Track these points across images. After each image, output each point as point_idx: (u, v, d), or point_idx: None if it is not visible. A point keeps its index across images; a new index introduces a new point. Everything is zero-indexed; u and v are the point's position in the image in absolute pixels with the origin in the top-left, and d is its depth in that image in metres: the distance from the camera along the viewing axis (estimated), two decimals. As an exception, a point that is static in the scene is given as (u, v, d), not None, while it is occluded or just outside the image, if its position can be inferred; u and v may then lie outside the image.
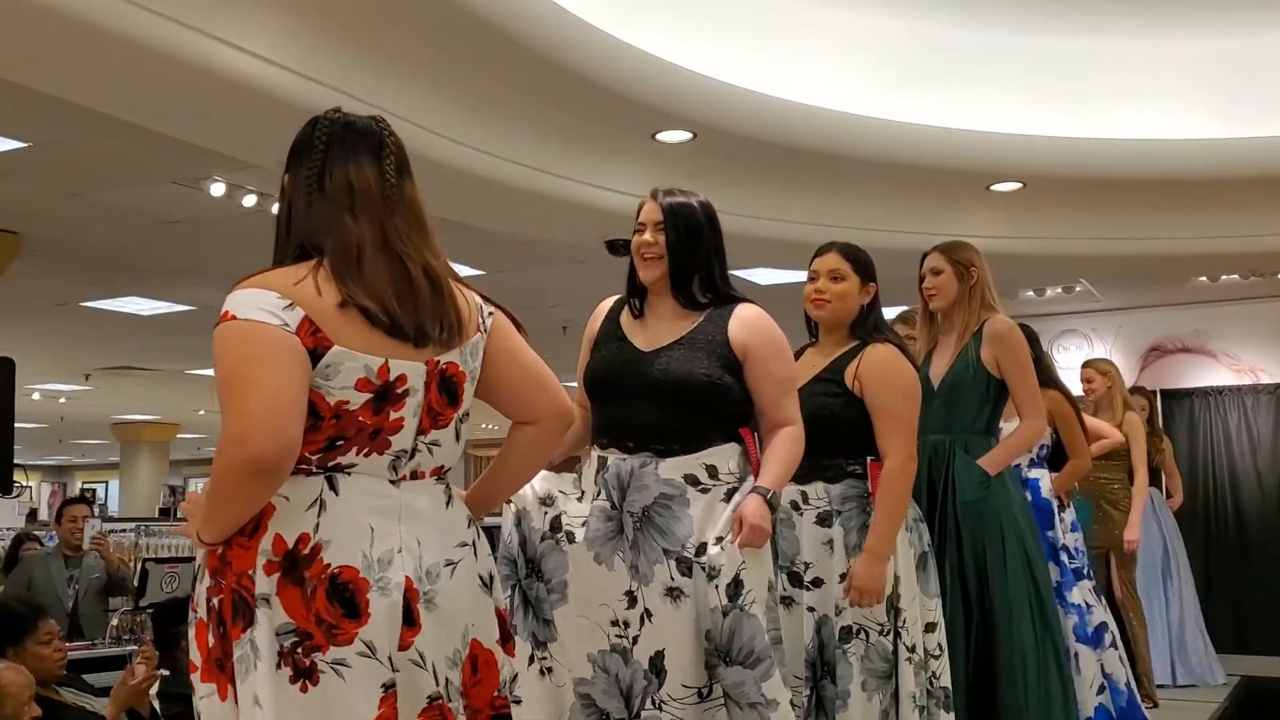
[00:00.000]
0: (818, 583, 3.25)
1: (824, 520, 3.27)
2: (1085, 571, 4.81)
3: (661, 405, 2.75)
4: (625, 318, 2.95)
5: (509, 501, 2.79)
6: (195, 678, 1.91)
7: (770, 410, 2.81)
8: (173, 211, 6.60)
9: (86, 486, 25.96)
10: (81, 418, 18.22)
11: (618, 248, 6.67)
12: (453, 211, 6.30)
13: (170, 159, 5.60)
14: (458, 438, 2.06)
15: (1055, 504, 4.77)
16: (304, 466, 1.89)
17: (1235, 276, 8.41)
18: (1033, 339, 4.98)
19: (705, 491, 2.71)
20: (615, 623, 2.67)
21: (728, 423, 2.78)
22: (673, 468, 2.72)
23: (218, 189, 6.07)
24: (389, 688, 1.85)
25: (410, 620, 1.89)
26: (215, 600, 1.87)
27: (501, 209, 6.24)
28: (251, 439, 1.79)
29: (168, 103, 4.70)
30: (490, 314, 2.12)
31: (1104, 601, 4.94)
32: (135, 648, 4.04)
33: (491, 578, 2.08)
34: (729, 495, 2.71)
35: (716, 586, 2.61)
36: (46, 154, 5.74)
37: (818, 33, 5.63)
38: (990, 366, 3.73)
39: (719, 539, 2.64)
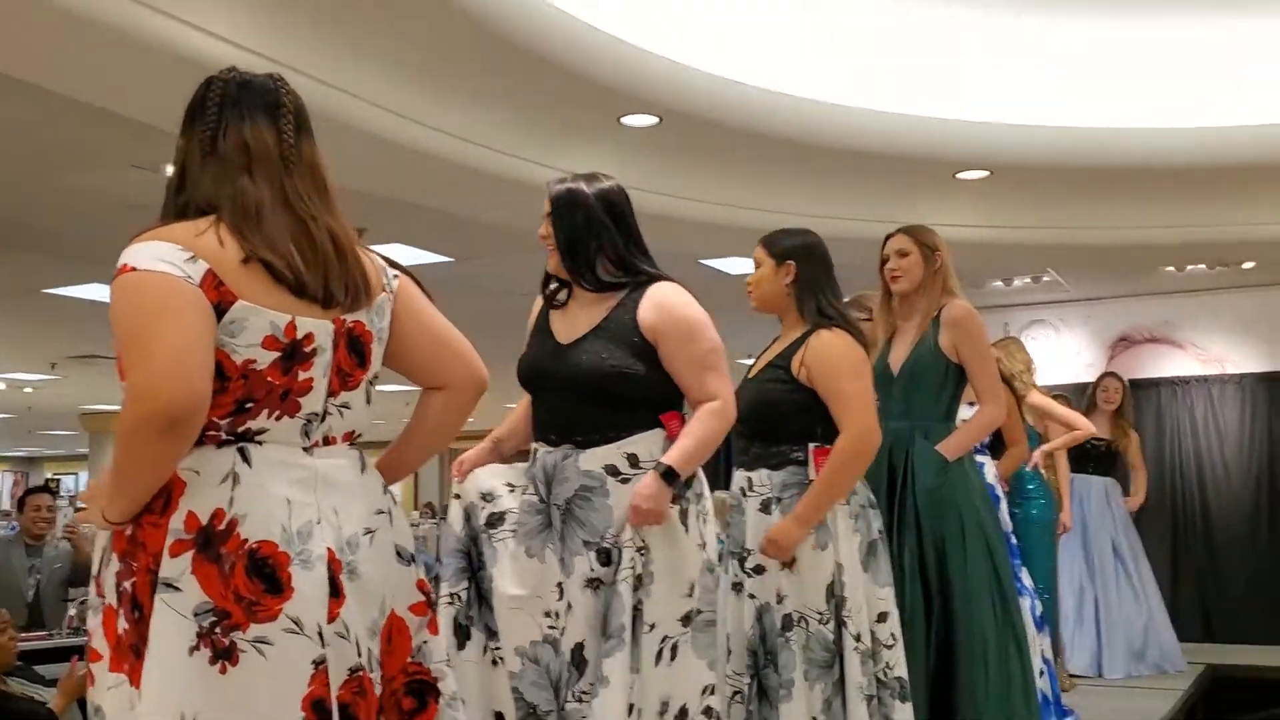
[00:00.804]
0: (759, 570, 3.27)
1: (766, 507, 3.30)
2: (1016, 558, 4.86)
3: (577, 398, 2.79)
4: (554, 309, 2.97)
5: (457, 496, 2.83)
6: (99, 668, 1.83)
7: (692, 389, 2.81)
8: (134, 195, 6.51)
9: (52, 477, 25.73)
10: (49, 408, 18.05)
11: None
12: (418, 196, 6.26)
13: (130, 142, 5.52)
14: (368, 401, 2.01)
15: (999, 489, 4.80)
16: (213, 434, 1.83)
17: (1202, 267, 8.45)
18: None
19: (626, 481, 2.72)
20: (548, 614, 2.70)
21: (649, 409, 2.79)
22: (592, 459, 2.74)
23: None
24: (320, 664, 1.80)
25: (335, 592, 1.85)
26: (127, 584, 1.80)
27: (467, 193, 6.20)
28: (159, 391, 1.71)
29: (126, 84, 4.64)
30: (395, 276, 2.08)
31: (1036, 590, 5.01)
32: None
33: (410, 549, 2.04)
34: None
35: (611, 565, 2.66)
36: (4, 138, 5.66)
37: (786, 18, 5.61)
38: (949, 352, 3.73)
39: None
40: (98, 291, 9.23)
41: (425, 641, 2.03)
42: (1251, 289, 9.10)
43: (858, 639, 3.17)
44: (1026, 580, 4.75)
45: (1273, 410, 8.51)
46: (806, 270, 3.39)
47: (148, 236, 1.83)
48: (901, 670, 3.25)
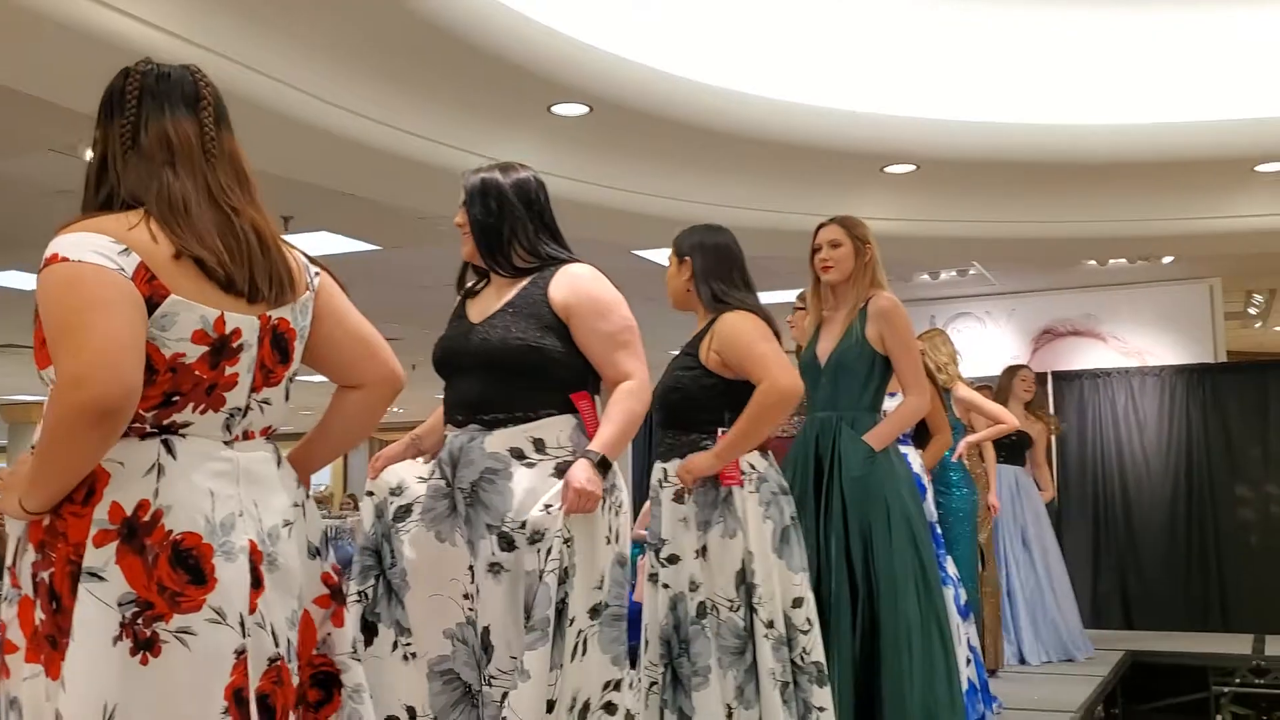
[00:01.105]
0: (673, 559, 3.31)
1: (679, 497, 3.34)
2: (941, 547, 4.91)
3: (484, 376, 2.76)
4: (470, 297, 2.98)
5: (370, 493, 2.80)
6: (15, 659, 1.80)
7: (605, 368, 2.78)
8: (53, 181, 6.38)
9: (-28, 470, 25.16)
10: (-34, 398, 17.67)
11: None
12: (344, 183, 6.19)
13: (48, 126, 5.40)
14: (287, 397, 2.03)
15: (924, 479, 4.86)
16: (137, 426, 1.83)
17: (1123, 261, 8.61)
18: None
19: (531, 466, 2.69)
20: (466, 595, 2.68)
21: (557, 390, 2.75)
22: (498, 440, 2.70)
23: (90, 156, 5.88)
24: (241, 653, 1.81)
25: (256, 583, 1.86)
26: (45, 574, 1.78)
27: (394, 181, 6.14)
28: (92, 381, 1.70)
29: (42, 66, 4.54)
30: (317, 274, 2.09)
31: (959, 578, 5.04)
32: None
33: (317, 543, 2.06)
34: (560, 470, 2.67)
35: (538, 551, 2.60)
36: (-81, 121, 5.53)
37: (717, 9, 5.61)
38: (875, 343, 3.76)
39: (547, 506, 2.62)
40: (16, 279, 9.03)
41: (330, 634, 2.04)
42: (1171, 283, 9.30)
43: (770, 625, 3.21)
44: (951, 569, 4.80)
45: (1191, 402, 8.68)
46: (701, 263, 3.48)
47: (78, 227, 1.82)
48: (818, 655, 3.28)
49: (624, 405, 2.73)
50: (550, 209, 2.92)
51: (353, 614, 2.68)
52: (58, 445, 1.75)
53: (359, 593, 2.73)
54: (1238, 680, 7.03)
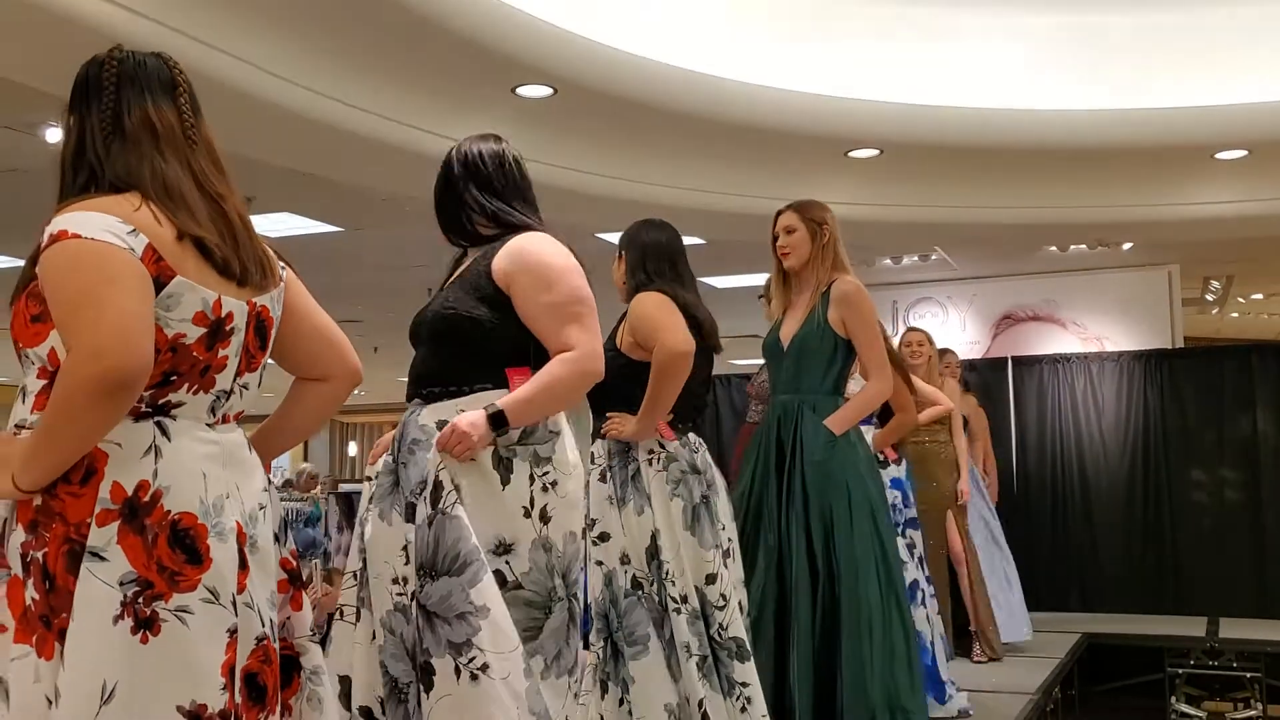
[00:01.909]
0: (604, 537, 3.38)
1: (603, 476, 3.42)
2: (898, 529, 4.87)
3: (425, 349, 2.71)
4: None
5: (369, 478, 2.73)
6: (2, 640, 1.79)
7: (548, 340, 2.62)
8: (9, 159, 6.28)
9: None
10: (-82, 379, 17.41)
11: (477, 205, 6.56)
12: (307, 163, 6.13)
13: (2, 102, 5.32)
14: (259, 384, 2.07)
15: (876, 459, 4.87)
16: (135, 406, 1.84)
17: (1083, 247, 8.67)
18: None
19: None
20: (395, 580, 2.56)
21: (491, 363, 2.62)
22: (430, 414, 2.62)
23: (54, 135, 5.78)
24: (233, 632, 1.85)
25: (243, 564, 1.90)
26: (38, 554, 1.78)
27: (357, 161, 6.09)
28: (110, 353, 1.72)
29: (1, 44, 4.47)
30: (284, 267, 2.12)
31: (917, 559, 5.04)
32: None
33: (278, 530, 2.09)
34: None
35: (424, 499, 2.51)
36: None
37: (682, -7, 5.61)
38: (837, 327, 3.78)
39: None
40: (-32, 257, 8.88)
41: (289, 617, 2.08)
42: (1130, 269, 9.39)
43: (684, 600, 3.26)
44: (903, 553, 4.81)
45: (1149, 387, 8.76)
46: (631, 257, 3.58)
47: (82, 206, 1.83)
48: (737, 630, 3.31)
49: (552, 370, 2.57)
50: (518, 177, 2.83)
51: (347, 595, 2.68)
52: (68, 419, 1.75)
53: (352, 573, 2.70)
54: (1192, 662, 7.14)
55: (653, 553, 3.29)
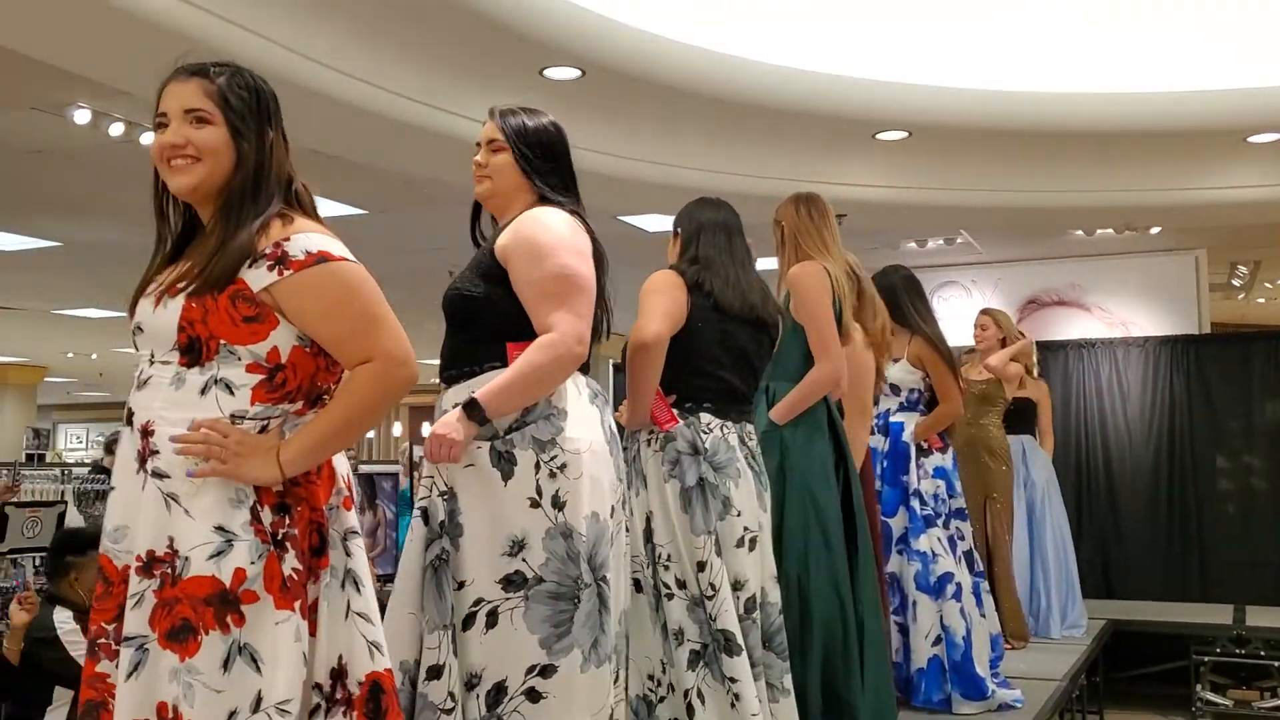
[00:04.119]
0: None
1: None
2: (941, 520, 4.81)
3: (446, 330, 2.67)
4: None
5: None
6: (254, 609, 1.92)
7: (534, 319, 2.54)
8: (35, 140, 6.29)
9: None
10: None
11: (502, 187, 6.53)
12: (333, 145, 6.11)
13: (31, 83, 5.31)
14: None
15: (914, 449, 4.81)
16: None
17: (1110, 231, 8.60)
18: (914, 284, 5.01)
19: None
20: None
21: (498, 340, 2.55)
22: (451, 396, 2.58)
23: (83, 116, 5.78)
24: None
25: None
26: (294, 530, 1.99)
27: (384, 143, 6.07)
28: (411, 359, 2.04)
29: (27, 20, 4.45)
30: None
31: (960, 553, 4.89)
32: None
33: None
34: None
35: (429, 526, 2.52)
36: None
37: (710, -27, 5.57)
38: (795, 314, 3.74)
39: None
40: (-8, 238, 8.90)
41: None
42: (1157, 254, 9.31)
43: (680, 585, 3.11)
44: (925, 544, 4.72)
45: (1175, 373, 8.69)
46: (685, 235, 3.42)
47: (313, 229, 2.05)
48: (726, 623, 3.09)
49: (528, 356, 2.48)
50: (566, 154, 2.78)
51: None
52: (373, 415, 2.06)
53: None
54: (1218, 650, 7.09)
55: (648, 535, 3.16)
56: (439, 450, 2.45)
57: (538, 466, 2.48)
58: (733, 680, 3.06)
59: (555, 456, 2.49)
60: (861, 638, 3.60)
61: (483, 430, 2.48)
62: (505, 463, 2.48)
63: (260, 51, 4.77)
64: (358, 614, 2.03)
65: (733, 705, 3.04)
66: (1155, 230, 8.62)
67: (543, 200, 2.69)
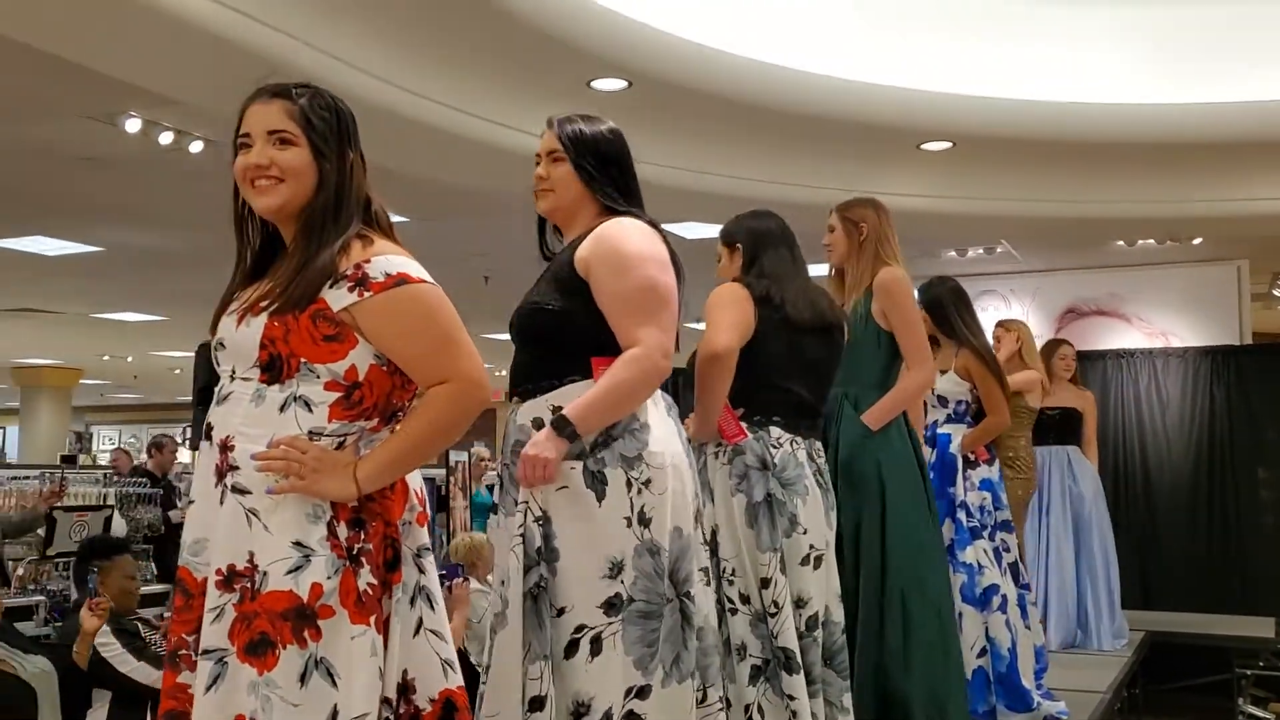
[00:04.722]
0: None
1: None
2: (986, 532, 4.79)
3: (518, 345, 2.65)
4: None
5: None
6: (330, 624, 1.94)
7: (618, 333, 2.50)
8: (85, 148, 6.34)
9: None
10: (-22, 361, 17.68)
11: (547, 199, 6.54)
12: (374, 155, 6.13)
13: (86, 93, 5.36)
14: None
15: (960, 461, 4.80)
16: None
17: (1151, 241, 8.56)
18: (961, 296, 5.00)
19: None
20: (503, 581, 2.50)
21: (578, 354, 2.52)
22: (526, 411, 2.54)
23: (133, 125, 5.84)
24: None
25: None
26: (367, 546, 2.02)
27: (427, 153, 6.10)
28: (486, 383, 2.08)
29: (82, 30, 4.50)
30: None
31: (1006, 565, 4.83)
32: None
33: None
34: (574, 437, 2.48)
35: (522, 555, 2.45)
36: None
37: (756, -15, 5.57)
38: (879, 319, 3.72)
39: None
40: (39, 244, 8.97)
41: None
42: (1197, 264, 9.25)
43: (744, 600, 3.10)
44: (971, 556, 4.70)
45: (1215, 384, 8.64)
46: (745, 248, 3.38)
47: (394, 250, 2.08)
48: (786, 640, 3.07)
49: (616, 373, 2.45)
50: (628, 160, 2.75)
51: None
52: (448, 435, 2.11)
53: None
54: (1260, 663, 7.04)
55: (712, 549, 3.11)
56: (533, 472, 2.41)
57: (629, 484, 2.44)
58: (791, 698, 3.05)
59: (641, 472, 2.45)
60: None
61: (570, 449, 2.44)
62: (598, 482, 2.44)
63: (309, 62, 4.80)
64: (430, 631, 2.04)
65: None
66: (1196, 241, 8.57)
67: (608, 210, 2.65)
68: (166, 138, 6.00)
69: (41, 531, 6.22)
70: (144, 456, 10.09)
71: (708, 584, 2.67)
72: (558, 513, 2.44)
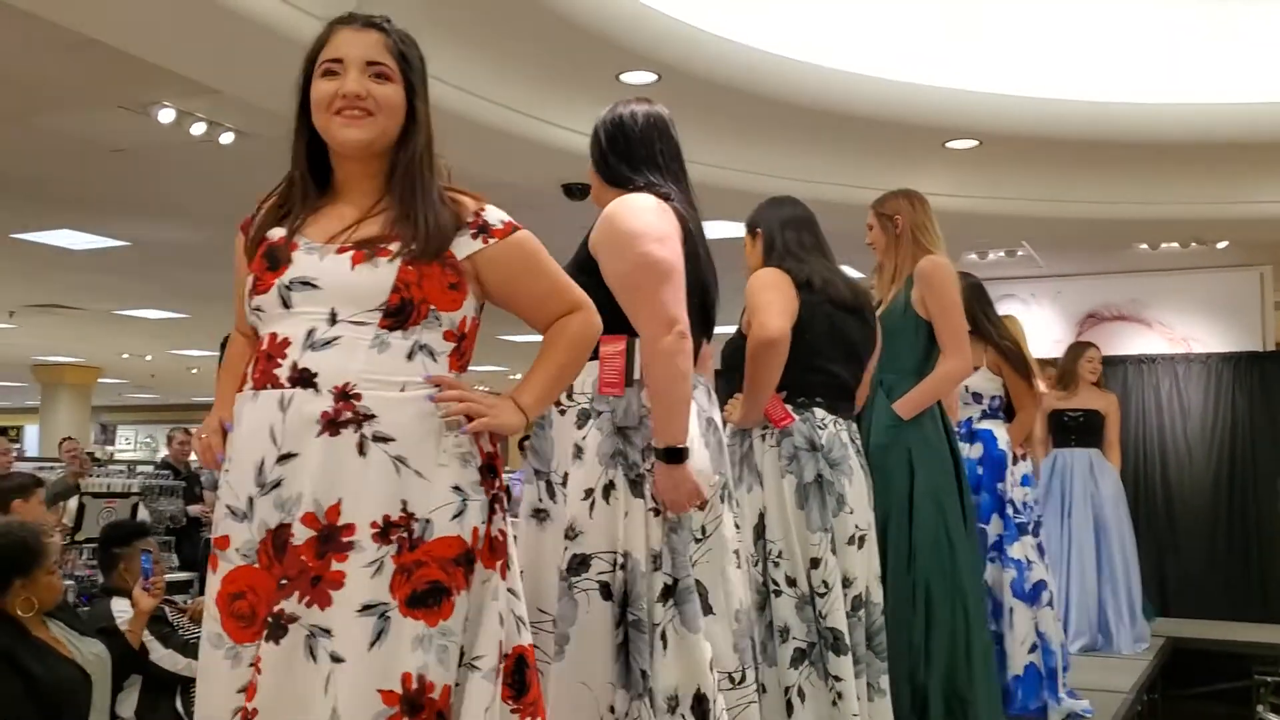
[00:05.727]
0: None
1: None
2: (1031, 527, 4.80)
3: None
4: None
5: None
6: (478, 567, 1.96)
7: (625, 312, 2.54)
8: (117, 139, 6.40)
9: (12, 425, 25.28)
10: (1, 357, 17.77)
11: (575, 192, 6.58)
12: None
13: (119, 80, 5.41)
14: None
15: (1009, 456, 4.80)
16: None
17: (1175, 245, 8.54)
18: (982, 293, 5.00)
19: (563, 413, 2.57)
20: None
21: None
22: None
23: (166, 115, 5.89)
24: None
25: None
26: (493, 493, 2.01)
27: (457, 145, 6.08)
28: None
29: (126, 14, 4.51)
30: None
31: (1049, 561, 4.91)
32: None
33: None
34: (581, 418, 2.53)
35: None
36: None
37: (784, -19, 5.59)
38: (918, 307, 3.74)
39: (590, 499, 2.51)
40: (66, 238, 9.00)
41: None
42: (1220, 269, 9.21)
43: (790, 583, 3.12)
44: (1019, 552, 4.69)
45: (1237, 390, 8.63)
46: (766, 233, 3.44)
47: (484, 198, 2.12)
48: (835, 621, 3.10)
49: (655, 381, 2.51)
50: (640, 138, 2.80)
51: None
52: (584, 357, 2.20)
53: None
54: (1280, 670, 7.02)
55: (759, 531, 3.15)
56: (689, 501, 2.50)
57: (631, 483, 2.53)
58: (837, 679, 3.07)
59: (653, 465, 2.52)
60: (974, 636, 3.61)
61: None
62: (639, 485, 2.52)
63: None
64: (508, 589, 2.01)
65: (834, 703, 3.05)
66: (1221, 245, 8.54)
67: (614, 187, 2.73)
68: (199, 128, 6.05)
69: (69, 521, 6.28)
70: (164, 452, 10.18)
71: (738, 566, 2.69)
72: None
